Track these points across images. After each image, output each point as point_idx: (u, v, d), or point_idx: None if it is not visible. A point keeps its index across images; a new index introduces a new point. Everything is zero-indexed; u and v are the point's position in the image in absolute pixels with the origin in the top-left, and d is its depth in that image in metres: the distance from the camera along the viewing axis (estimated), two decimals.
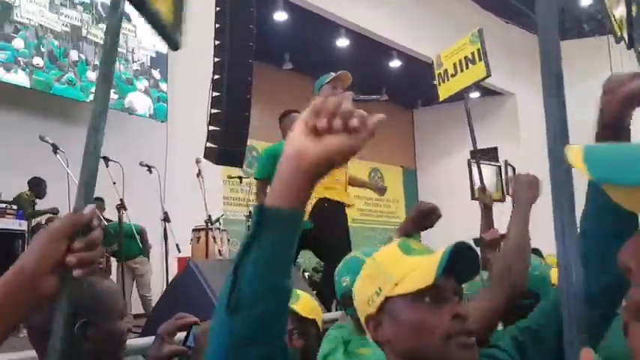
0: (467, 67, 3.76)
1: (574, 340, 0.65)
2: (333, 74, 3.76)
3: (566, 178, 0.72)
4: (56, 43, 6.28)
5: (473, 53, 3.72)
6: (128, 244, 5.21)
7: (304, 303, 1.72)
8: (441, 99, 3.97)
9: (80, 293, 1.14)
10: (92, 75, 6.58)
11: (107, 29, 0.95)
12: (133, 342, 1.90)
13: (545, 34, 0.75)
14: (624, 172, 0.41)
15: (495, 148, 14.89)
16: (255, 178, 3.99)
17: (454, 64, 3.81)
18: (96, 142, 0.90)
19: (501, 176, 3.96)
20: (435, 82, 3.92)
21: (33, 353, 1.20)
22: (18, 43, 6.06)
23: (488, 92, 15.50)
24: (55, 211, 5.80)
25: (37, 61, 6.15)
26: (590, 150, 0.43)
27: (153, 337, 1.93)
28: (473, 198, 3.45)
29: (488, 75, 3.66)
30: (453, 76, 3.85)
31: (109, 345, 1.17)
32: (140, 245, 5.37)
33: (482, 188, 2.87)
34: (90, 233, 0.82)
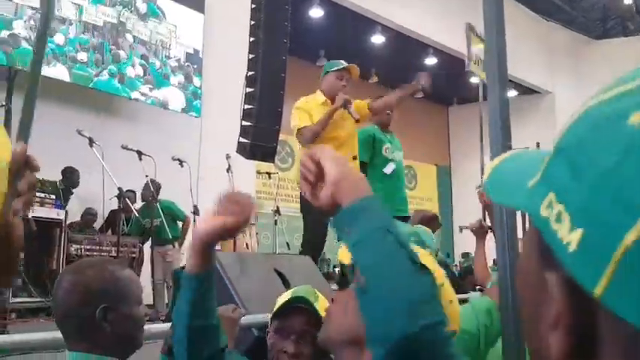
0: (483, 68, 3.92)
1: None
2: (342, 63, 3.72)
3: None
4: (97, 38, 6.48)
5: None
6: (162, 228, 5.23)
7: (322, 304, 1.52)
8: (470, 69, 4.13)
9: (103, 281, 1.24)
10: (131, 70, 6.75)
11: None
12: (157, 327, 2.00)
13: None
14: (498, 193, 0.43)
15: (536, 147, 14.63)
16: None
17: (476, 55, 4.02)
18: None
19: None
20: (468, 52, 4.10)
21: (58, 334, 1.29)
22: (59, 38, 6.28)
23: (526, 90, 15.22)
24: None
25: (82, 56, 6.36)
26: (497, 167, 0.45)
27: (155, 325, 2.02)
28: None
29: (466, 70, 3.86)
30: (475, 63, 4.08)
31: (128, 329, 1.26)
32: (169, 233, 5.39)
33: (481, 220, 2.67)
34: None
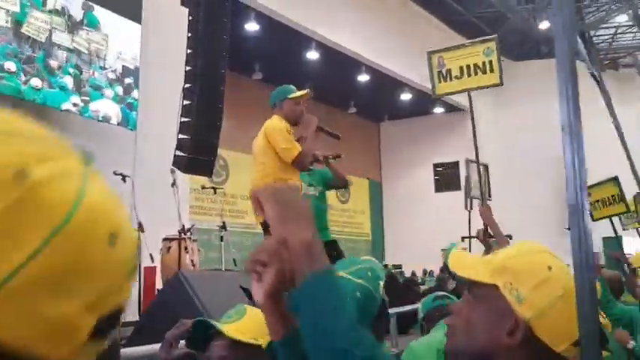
0: (475, 74, 3.91)
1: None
2: (296, 90, 3.85)
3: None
4: (27, 47, 6.17)
5: (484, 63, 3.88)
6: None
7: (244, 323, 1.33)
8: (438, 94, 4.10)
9: None
10: (64, 81, 6.46)
11: None
12: (123, 351, 1.93)
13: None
14: None
15: (457, 163, 15.32)
16: None
17: (460, 68, 3.95)
18: None
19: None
20: (433, 78, 4.04)
21: None
22: None
23: (452, 108, 15.90)
24: None
25: (9, 65, 6.03)
26: None
27: (141, 347, 1.97)
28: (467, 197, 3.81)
29: (501, 84, 3.85)
30: (457, 77, 3.99)
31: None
32: None
33: (484, 232, 2.97)
34: None
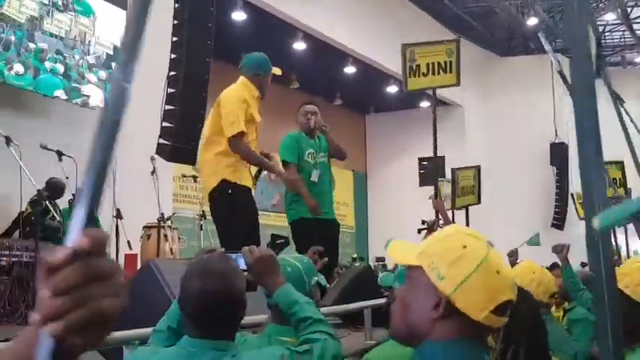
0: (438, 73, 4.08)
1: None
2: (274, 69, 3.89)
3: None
4: (11, 32, 6.10)
5: (446, 63, 4.05)
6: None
7: None
8: (409, 89, 4.23)
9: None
10: (48, 66, 6.40)
11: None
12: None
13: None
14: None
15: (443, 157, 15.39)
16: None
17: (427, 65, 4.10)
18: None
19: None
20: (405, 71, 4.17)
21: None
22: None
23: (438, 102, 15.94)
24: None
25: None
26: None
27: (114, 333, 1.98)
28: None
29: (458, 84, 4.02)
30: (424, 75, 4.14)
31: None
32: None
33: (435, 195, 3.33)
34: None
